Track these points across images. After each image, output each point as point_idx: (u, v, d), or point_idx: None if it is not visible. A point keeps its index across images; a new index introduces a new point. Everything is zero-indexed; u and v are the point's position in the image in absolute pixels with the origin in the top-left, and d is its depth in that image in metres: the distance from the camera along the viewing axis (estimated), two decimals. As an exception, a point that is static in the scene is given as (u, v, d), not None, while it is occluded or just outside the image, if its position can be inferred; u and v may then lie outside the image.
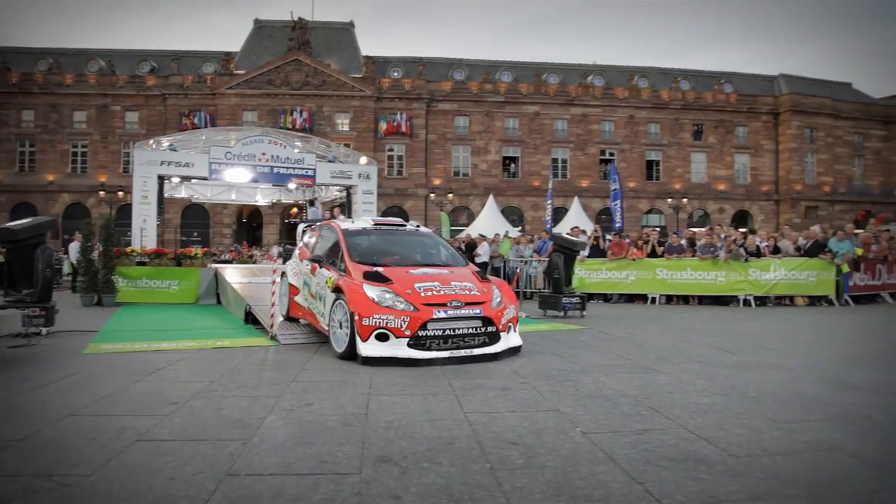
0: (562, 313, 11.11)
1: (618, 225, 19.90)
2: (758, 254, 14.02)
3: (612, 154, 43.96)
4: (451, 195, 40.75)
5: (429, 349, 5.91)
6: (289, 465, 3.19)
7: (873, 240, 15.98)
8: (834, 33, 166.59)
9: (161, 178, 15.42)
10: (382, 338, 5.89)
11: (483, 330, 6.19)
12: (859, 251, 14.33)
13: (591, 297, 13.94)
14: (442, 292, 6.19)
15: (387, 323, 5.88)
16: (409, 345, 5.89)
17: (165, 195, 16.64)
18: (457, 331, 6.06)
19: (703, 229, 17.81)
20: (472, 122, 43.32)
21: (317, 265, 7.23)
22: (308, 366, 5.98)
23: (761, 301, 13.72)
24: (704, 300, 14.06)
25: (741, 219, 44.98)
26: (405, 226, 8.06)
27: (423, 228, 8.18)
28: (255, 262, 20.63)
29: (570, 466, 3.17)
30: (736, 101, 46.36)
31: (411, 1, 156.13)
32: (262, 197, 20.75)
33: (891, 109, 51.78)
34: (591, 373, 5.61)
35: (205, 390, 4.88)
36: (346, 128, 41.63)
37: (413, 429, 3.83)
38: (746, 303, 13.58)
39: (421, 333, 5.90)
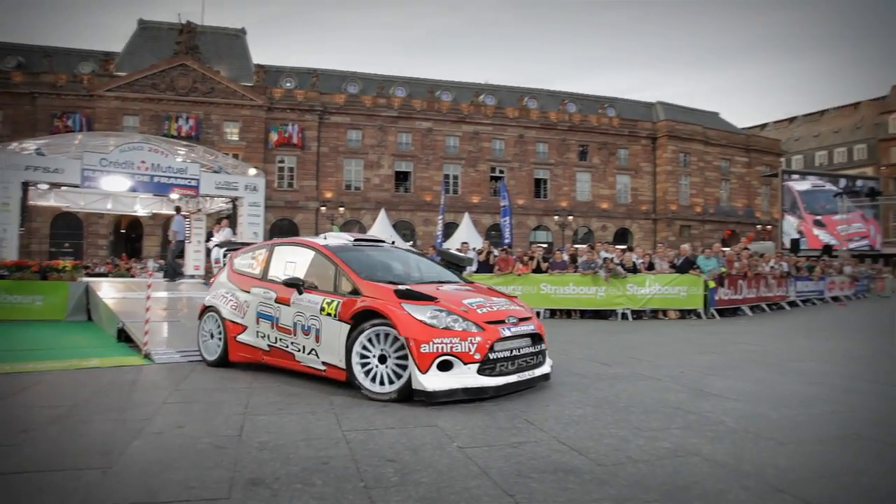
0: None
1: (507, 241, 20.42)
2: (634, 270, 14.81)
3: (502, 171, 45.15)
4: (342, 209, 40.38)
5: (499, 374, 5.14)
6: (152, 494, 3.02)
7: (736, 257, 17.29)
8: (705, 67, 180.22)
9: (25, 185, 14.28)
10: (445, 366, 4.96)
11: (537, 348, 5.60)
12: (723, 270, 15.43)
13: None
14: (494, 308, 5.49)
15: (452, 347, 4.95)
16: (479, 371, 5.03)
17: (31, 203, 15.43)
18: (520, 350, 5.38)
19: (584, 246, 18.60)
20: (365, 136, 43.19)
21: (293, 291, 5.94)
22: (183, 385, 5.71)
23: (637, 314, 14.46)
24: (586, 314, 14.65)
25: (622, 236, 47.43)
26: (384, 242, 7.04)
27: (397, 244, 7.43)
28: (132, 276, 19.49)
29: (444, 482, 3.20)
30: (618, 124, 48.96)
31: (305, 11, 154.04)
32: (142, 207, 19.68)
33: (751, 139, 56.81)
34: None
35: (65, 415, 4.55)
36: (235, 137, 40.34)
37: (288, 449, 3.74)
38: (624, 316, 14.27)
39: (490, 356, 5.10)
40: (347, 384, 5.36)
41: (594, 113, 49.09)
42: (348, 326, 5.36)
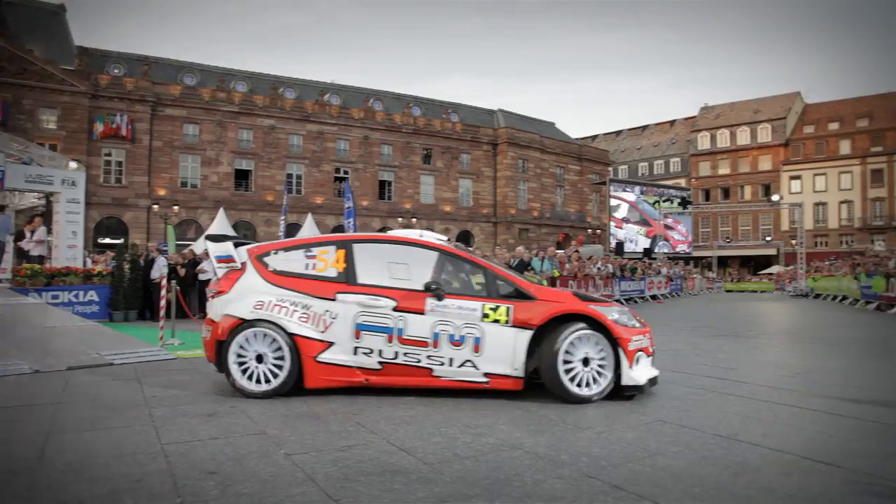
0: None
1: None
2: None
3: (346, 172, 44.86)
4: (176, 207, 38.06)
5: (651, 367, 5.55)
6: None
7: (567, 259, 18.45)
8: (544, 79, 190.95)
9: None
10: (638, 361, 5.35)
11: None
12: (555, 272, 16.38)
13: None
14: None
15: (642, 344, 5.37)
16: (651, 364, 5.54)
17: None
18: None
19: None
20: (202, 131, 41.02)
21: (426, 297, 5.32)
22: (-26, 403, 5.08)
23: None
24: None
25: (465, 238, 48.93)
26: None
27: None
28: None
29: (267, 491, 3.11)
30: (461, 130, 50.46)
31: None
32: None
33: (584, 148, 61.10)
34: (303, 391, 5.39)
35: None
36: (52, 126, 36.63)
37: (97, 469, 3.44)
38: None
39: (651, 350, 5.58)
40: (515, 394, 5.40)
41: (438, 117, 50.25)
42: (530, 332, 5.20)
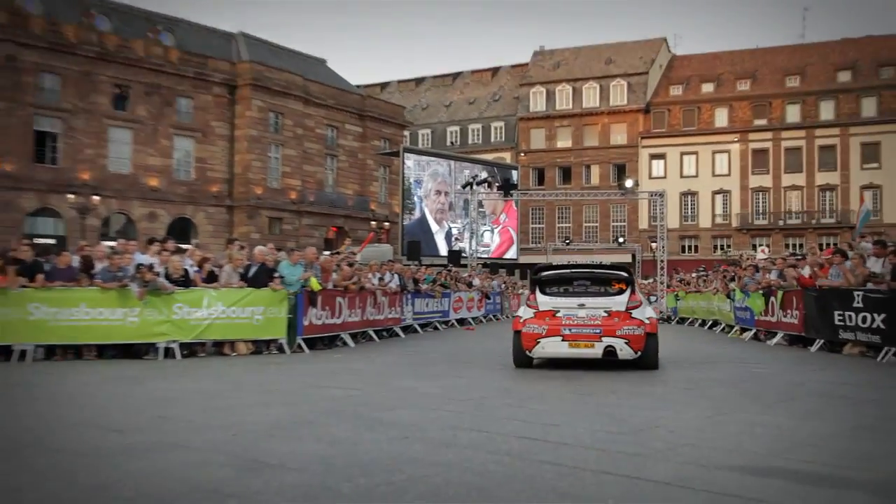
0: None
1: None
2: (187, 282, 14.71)
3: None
4: None
5: None
6: None
7: (335, 266, 18.46)
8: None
9: None
10: None
11: None
12: (315, 285, 16.18)
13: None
14: None
15: None
16: None
17: None
18: None
19: (119, 243, 17.88)
20: None
21: None
22: None
23: (191, 349, 14.44)
24: (109, 351, 14.13)
25: (182, 229, 47.42)
26: None
27: None
28: None
29: None
30: (179, 60, 49.03)
31: None
32: None
33: (368, 102, 61.90)
34: None
35: None
36: None
37: None
38: (170, 353, 14.09)
39: None
40: None
41: (141, 37, 48.23)
42: None
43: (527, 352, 12.48)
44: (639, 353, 12.04)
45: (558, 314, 12.30)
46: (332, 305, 16.96)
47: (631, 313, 12.18)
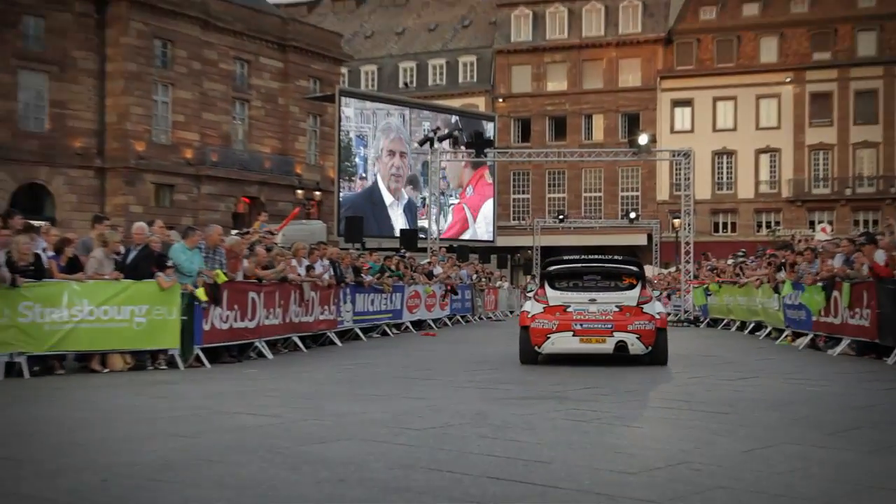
0: None
1: None
2: (38, 272, 14.36)
3: None
4: None
5: None
6: None
7: (246, 249, 18.28)
8: None
9: None
10: None
11: None
12: (221, 276, 16.00)
13: None
14: None
15: None
16: None
17: None
18: None
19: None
20: None
21: None
22: None
23: (45, 365, 14.25)
24: None
25: (34, 198, 46.98)
26: None
27: None
28: None
29: None
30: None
31: None
32: None
33: (292, 27, 61.30)
34: None
35: None
36: None
37: None
38: (14, 369, 13.88)
39: None
40: None
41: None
42: None
43: (535, 347, 15.63)
44: (650, 348, 15.36)
45: (569, 309, 15.45)
46: (242, 303, 16.74)
47: (642, 308, 15.43)
